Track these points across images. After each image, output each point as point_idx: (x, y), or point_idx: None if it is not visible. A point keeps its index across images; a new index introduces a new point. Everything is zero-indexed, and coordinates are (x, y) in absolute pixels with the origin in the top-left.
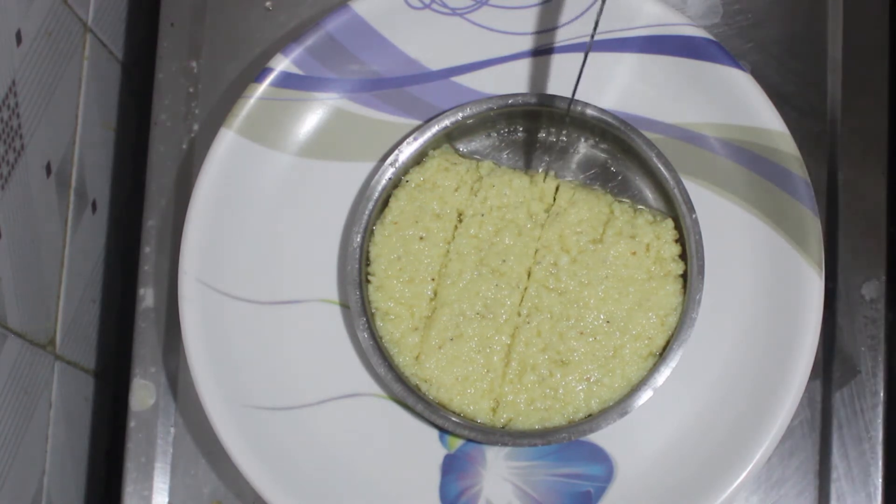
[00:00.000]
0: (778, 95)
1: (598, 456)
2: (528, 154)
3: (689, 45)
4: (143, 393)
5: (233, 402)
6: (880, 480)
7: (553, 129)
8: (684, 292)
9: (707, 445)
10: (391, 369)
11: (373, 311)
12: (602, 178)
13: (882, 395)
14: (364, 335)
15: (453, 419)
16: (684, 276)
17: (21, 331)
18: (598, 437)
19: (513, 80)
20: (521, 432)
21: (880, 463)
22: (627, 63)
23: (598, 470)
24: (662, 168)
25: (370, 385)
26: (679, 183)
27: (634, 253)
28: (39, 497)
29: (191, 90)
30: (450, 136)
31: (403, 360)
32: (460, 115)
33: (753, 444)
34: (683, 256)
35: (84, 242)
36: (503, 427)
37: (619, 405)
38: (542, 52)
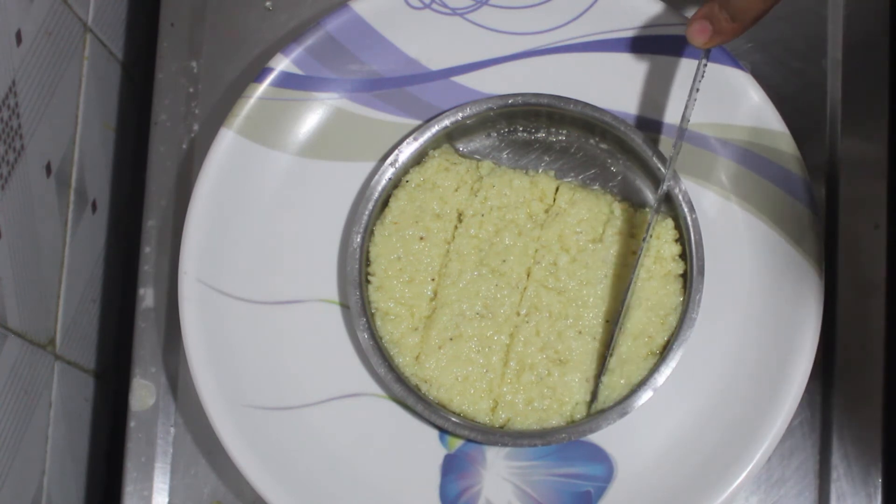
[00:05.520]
0: (778, 95)
1: (598, 456)
2: (528, 154)
3: (688, 45)
4: (143, 393)
5: (233, 402)
6: (880, 480)
7: (553, 129)
8: (684, 292)
9: (707, 445)
10: (391, 369)
11: (373, 311)
12: (602, 178)
13: (882, 395)
14: (364, 335)
15: (453, 419)
16: (684, 276)
17: (21, 331)
18: (598, 437)
19: (513, 80)
20: (521, 432)
21: (880, 463)
22: (627, 63)
23: (598, 470)
24: (662, 168)
25: (370, 385)
26: (679, 183)
27: (634, 252)
28: (39, 497)
29: (191, 90)
30: (450, 136)
31: (403, 360)
32: (460, 115)
33: (753, 444)
34: (683, 256)
35: (84, 242)
36: (501, 427)
37: (619, 405)
38: (542, 52)
